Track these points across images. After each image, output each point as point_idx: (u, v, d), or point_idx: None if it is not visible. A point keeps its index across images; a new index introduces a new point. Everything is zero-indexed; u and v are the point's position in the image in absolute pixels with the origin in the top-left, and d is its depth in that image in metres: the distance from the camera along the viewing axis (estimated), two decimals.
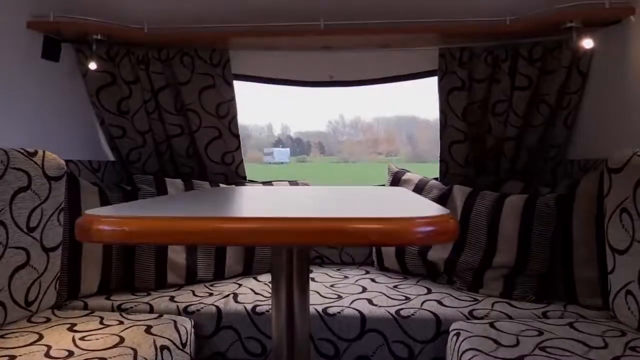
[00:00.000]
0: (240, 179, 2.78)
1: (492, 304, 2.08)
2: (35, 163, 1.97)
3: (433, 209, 0.95)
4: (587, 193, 2.11)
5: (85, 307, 2.11)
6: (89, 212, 0.94)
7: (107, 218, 0.88)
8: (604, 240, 1.93)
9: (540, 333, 1.73)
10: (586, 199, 2.10)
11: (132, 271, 2.31)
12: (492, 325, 1.82)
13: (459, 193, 2.45)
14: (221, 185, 2.59)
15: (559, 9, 2.15)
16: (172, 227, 0.85)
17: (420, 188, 2.59)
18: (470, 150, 2.64)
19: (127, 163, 2.73)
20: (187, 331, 1.89)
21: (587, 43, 2.16)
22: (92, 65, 2.45)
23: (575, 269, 2.10)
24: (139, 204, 1.13)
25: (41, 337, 1.72)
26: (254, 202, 1.34)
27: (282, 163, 32.52)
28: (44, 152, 2.04)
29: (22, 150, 1.94)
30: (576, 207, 2.13)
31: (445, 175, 2.70)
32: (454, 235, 0.86)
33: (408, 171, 2.74)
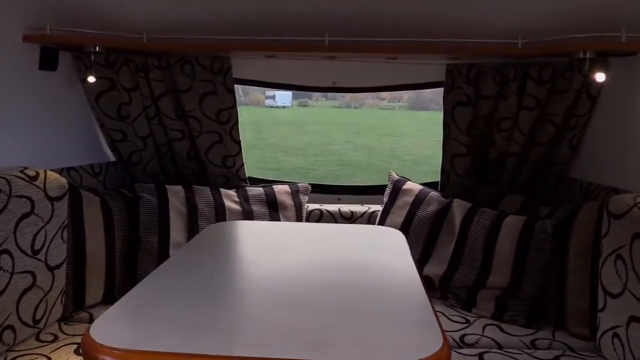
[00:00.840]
0: (241, 182, 2.79)
1: (483, 328, 2.15)
2: (37, 187, 1.97)
3: (427, 335, 0.99)
4: (585, 224, 2.12)
5: (91, 320, 2.18)
6: (94, 330, 0.98)
7: (112, 350, 0.92)
8: (597, 275, 1.97)
9: None
10: (584, 231, 2.12)
11: (135, 279, 2.36)
12: (481, 358, 1.90)
13: (458, 209, 2.47)
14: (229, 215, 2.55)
15: (575, 39, 2.07)
16: None
17: (420, 199, 2.60)
18: (472, 162, 2.64)
19: (128, 164, 2.73)
20: None
21: (600, 77, 2.11)
22: (91, 79, 2.42)
23: (567, 297, 2.14)
24: (140, 296, 1.18)
25: None
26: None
27: (284, 107, 32.06)
28: (45, 172, 2.04)
29: (23, 175, 1.94)
30: (573, 237, 2.14)
31: (446, 186, 2.70)
32: None
33: (408, 180, 2.74)
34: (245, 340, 1.17)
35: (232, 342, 1.15)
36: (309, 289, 1.51)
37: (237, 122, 2.67)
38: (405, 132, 21.44)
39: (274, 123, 23.15)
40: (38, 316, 1.97)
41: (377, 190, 2.90)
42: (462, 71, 2.50)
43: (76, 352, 1.88)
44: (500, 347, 2.03)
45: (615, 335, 1.81)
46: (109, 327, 1.09)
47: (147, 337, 1.11)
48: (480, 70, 2.49)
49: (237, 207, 2.57)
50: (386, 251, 1.93)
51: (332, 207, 2.78)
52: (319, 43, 2.24)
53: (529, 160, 2.56)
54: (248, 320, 1.30)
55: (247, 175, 2.84)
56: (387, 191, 2.73)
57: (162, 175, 2.78)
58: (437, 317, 1.27)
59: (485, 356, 1.91)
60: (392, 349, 1.11)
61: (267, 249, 1.92)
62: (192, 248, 1.90)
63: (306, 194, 2.78)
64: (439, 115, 2.68)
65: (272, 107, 30.98)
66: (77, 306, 2.20)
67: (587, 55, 2.08)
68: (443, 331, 1.17)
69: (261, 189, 2.70)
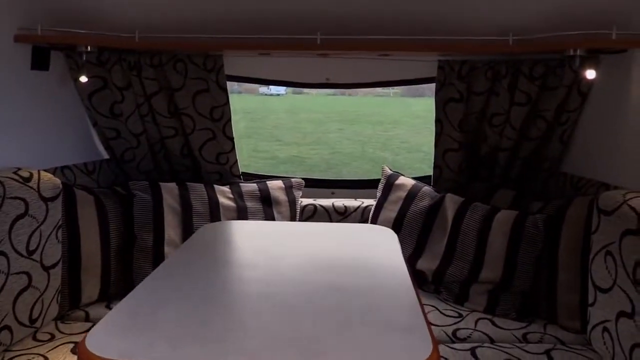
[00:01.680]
0: (234, 178, 2.80)
1: (476, 322, 2.18)
2: (31, 188, 1.98)
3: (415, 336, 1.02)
4: (575, 220, 2.15)
5: (87, 318, 2.19)
6: (90, 340, 0.99)
7: None
8: (587, 269, 2.00)
9: None
10: (574, 226, 2.15)
11: (130, 276, 2.38)
12: (473, 353, 1.93)
13: (451, 204, 2.49)
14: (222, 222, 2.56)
15: (565, 36, 2.08)
16: None
17: (413, 194, 2.62)
18: (464, 158, 2.65)
19: (122, 162, 2.73)
20: None
21: (590, 74, 2.13)
22: (83, 78, 2.42)
23: (558, 291, 2.18)
24: (136, 303, 1.20)
25: None
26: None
27: (278, 95, 31.96)
28: (39, 173, 2.04)
29: (17, 177, 1.94)
30: (564, 232, 2.18)
31: (438, 180, 2.72)
32: None
33: (401, 174, 2.76)
34: (239, 348, 1.19)
35: (225, 350, 1.17)
36: (303, 293, 1.53)
37: (230, 119, 2.67)
38: (399, 120, 21.40)
39: (270, 112, 23.05)
40: (34, 316, 1.99)
41: (371, 184, 2.92)
42: (454, 68, 2.50)
43: (73, 351, 1.90)
44: (492, 341, 2.06)
45: (605, 329, 1.85)
46: (105, 336, 1.10)
47: (142, 346, 1.12)
48: (472, 67, 2.50)
49: (231, 203, 2.58)
50: (378, 252, 1.96)
51: (326, 202, 2.79)
52: (312, 41, 2.23)
53: (521, 155, 2.58)
54: (241, 328, 1.32)
55: (240, 171, 2.85)
56: (381, 186, 2.75)
57: (155, 172, 2.78)
58: (428, 322, 1.30)
59: (478, 351, 1.95)
60: (383, 356, 1.13)
61: (260, 251, 1.93)
62: (187, 251, 1.91)
63: (300, 189, 2.80)
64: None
65: (266, 95, 30.85)
66: (73, 305, 2.22)
67: (578, 53, 2.09)
68: (433, 336, 1.20)
69: (255, 185, 2.71)
